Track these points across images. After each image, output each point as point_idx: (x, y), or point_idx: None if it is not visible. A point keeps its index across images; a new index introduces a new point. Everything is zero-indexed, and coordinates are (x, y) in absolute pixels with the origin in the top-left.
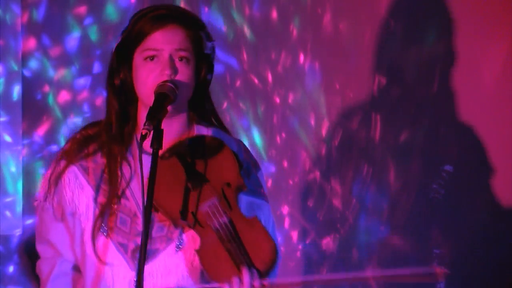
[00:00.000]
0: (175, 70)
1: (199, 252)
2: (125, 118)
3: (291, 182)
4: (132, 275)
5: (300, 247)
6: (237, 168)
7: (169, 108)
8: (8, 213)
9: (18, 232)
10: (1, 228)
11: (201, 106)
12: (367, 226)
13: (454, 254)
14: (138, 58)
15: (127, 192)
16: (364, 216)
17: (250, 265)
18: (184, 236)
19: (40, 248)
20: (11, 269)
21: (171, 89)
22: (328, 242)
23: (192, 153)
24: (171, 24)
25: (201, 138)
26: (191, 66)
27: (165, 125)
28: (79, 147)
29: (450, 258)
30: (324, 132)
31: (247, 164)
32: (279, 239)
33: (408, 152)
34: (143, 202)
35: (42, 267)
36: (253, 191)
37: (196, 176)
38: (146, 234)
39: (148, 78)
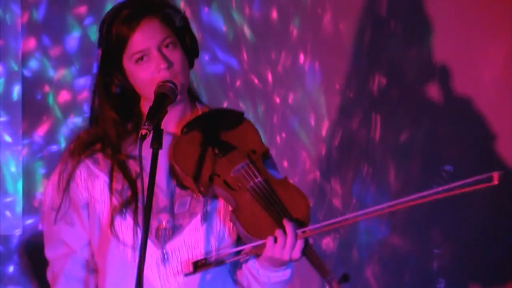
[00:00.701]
0: (169, 62)
1: (235, 214)
2: (124, 129)
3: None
4: (158, 253)
5: None
6: (259, 136)
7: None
8: (8, 213)
9: (18, 232)
10: (1, 228)
11: (191, 84)
12: (367, 226)
13: (454, 254)
14: (128, 63)
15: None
16: None
17: (291, 218)
18: (208, 208)
19: (50, 253)
20: (11, 269)
21: (171, 89)
22: (328, 242)
23: (212, 125)
24: (143, 19)
25: (221, 110)
26: (179, 48)
27: (170, 108)
28: (85, 144)
29: (450, 258)
30: (324, 132)
31: None
32: None
33: (408, 152)
34: (143, 201)
35: (54, 268)
36: (271, 165)
37: (222, 144)
38: (146, 233)
39: (146, 77)
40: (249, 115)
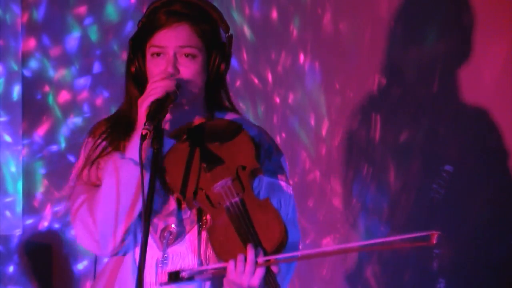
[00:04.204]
0: (177, 69)
1: (209, 231)
2: None
3: (291, 182)
4: (159, 254)
5: (300, 247)
6: (253, 152)
7: (180, 100)
8: (8, 213)
9: (18, 232)
10: (1, 228)
11: (215, 96)
12: (367, 226)
13: (454, 254)
14: (148, 52)
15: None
16: (364, 216)
17: (258, 244)
18: (207, 218)
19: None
20: (11, 269)
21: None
22: (328, 242)
23: (209, 135)
24: (179, 22)
25: (219, 121)
26: (198, 61)
27: (180, 115)
28: (101, 128)
29: (450, 258)
30: (324, 132)
31: (268, 146)
32: None
33: (408, 152)
34: (143, 199)
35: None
36: (274, 172)
37: (211, 158)
38: (147, 233)
39: (153, 73)
40: (249, 115)
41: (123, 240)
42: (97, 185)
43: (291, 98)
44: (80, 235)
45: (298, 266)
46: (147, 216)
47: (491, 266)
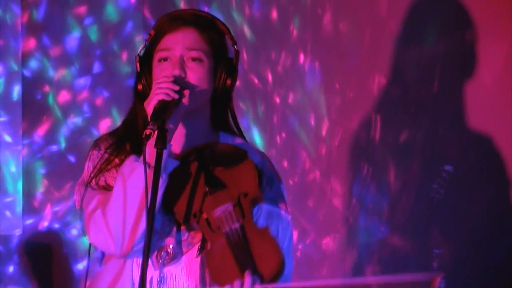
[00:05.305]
0: (184, 71)
1: (206, 255)
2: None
3: (291, 182)
4: (155, 273)
5: (300, 247)
6: (257, 180)
7: (185, 103)
8: (8, 213)
9: (18, 232)
10: (1, 228)
11: (222, 113)
12: (367, 226)
13: (454, 254)
14: (154, 60)
15: (159, 192)
16: (364, 216)
17: (254, 271)
18: (207, 242)
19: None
20: (11, 269)
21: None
22: (328, 242)
23: (215, 159)
24: (185, 26)
25: (226, 146)
26: (204, 66)
27: (184, 126)
28: (109, 140)
29: (450, 258)
30: (324, 132)
31: (270, 173)
32: None
33: (408, 152)
34: (147, 204)
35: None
36: (274, 200)
37: (214, 182)
38: (149, 237)
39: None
40: (249, 115)
41: (141, 242)
42: (107, 189)
43: (291, 98)
44: (96, 238)
45: (298, 266)
46: (150, 217)
47: (491, 266)
